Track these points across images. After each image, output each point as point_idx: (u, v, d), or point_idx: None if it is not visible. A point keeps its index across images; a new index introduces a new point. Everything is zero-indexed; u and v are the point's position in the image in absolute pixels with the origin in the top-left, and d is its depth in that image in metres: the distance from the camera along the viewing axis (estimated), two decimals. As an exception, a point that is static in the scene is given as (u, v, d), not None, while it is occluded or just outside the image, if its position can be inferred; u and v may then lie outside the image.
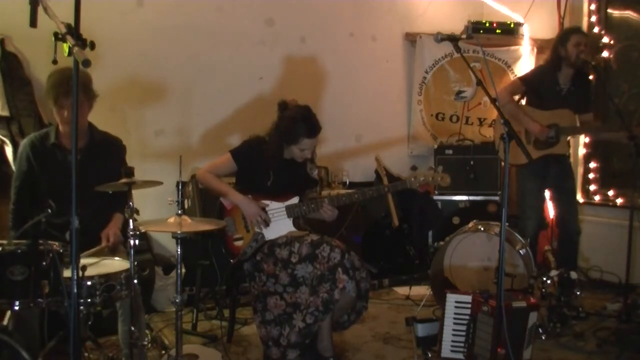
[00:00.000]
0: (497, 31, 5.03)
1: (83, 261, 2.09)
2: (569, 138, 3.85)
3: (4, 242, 2.20)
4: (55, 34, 1.63)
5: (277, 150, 2.93)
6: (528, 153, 2.45)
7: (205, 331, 3.42)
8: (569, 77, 3.79)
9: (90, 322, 2.50)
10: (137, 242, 2.37)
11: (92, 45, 1.68)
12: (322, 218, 2.94)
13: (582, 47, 3.68)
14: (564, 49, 3.74)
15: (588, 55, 3.71)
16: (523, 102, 3.99)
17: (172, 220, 2.36)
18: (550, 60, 3.86)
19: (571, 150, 3.99)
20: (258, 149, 2.96)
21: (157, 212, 3.53)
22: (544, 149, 3.77)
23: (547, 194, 4.15)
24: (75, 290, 1.69)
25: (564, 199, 3.93)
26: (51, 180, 2.70)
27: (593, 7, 4.62)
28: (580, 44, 3.68)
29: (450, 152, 4.74)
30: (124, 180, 2.40)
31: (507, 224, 2.35)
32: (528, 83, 3.91)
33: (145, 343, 2.53)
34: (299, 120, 2.86)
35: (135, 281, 2.40)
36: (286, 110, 2.95)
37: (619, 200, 4.45)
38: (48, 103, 2.69)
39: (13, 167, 2.99)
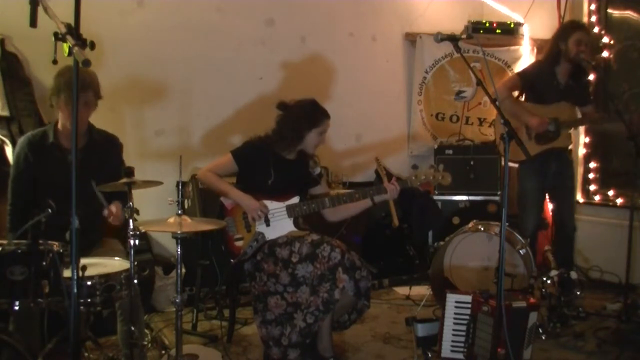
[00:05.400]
0: (497, 31, 5.03)
1: (83, 261, 2.09)
2: (570, 131, 3.83)
3: (4, 242, 2.20)
4: (55, 34, 1.63)
5: (296, 141, 2.96)
6: (528, 152, 2.44)
7: (205, 331, 3.42)
8: (567, 72, 3.76)
9: (90, 322, 2.50)
10: (137, 242, 2.37)
11: (92, 45, 1.68)
12: (388, 199, 2.97)
13: (582, 46, 3.65)
14: (565, 44, 3.69)
15: (588, 55, 3.69)
16: (522, 99, 3.95)
17: (172, 220, 2.37)
18: (549, 54, 3.82)
19: (571, 146, 3.96)
20: (260, 149, 2.98)
21: (157, 212, 3.52)
22: (545, 144, 3.74)
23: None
24: (75, 290, 1.69)
25: (562, 196, 3.92)
26: (50, 180, 2.69)
27: (593, 7, 4.61)
28: (581, 42, 3.65)
29: (450, 152, 4.74)
30: (124, 180, 2.41)
31: (507, 224, 2.35)
32: (525, 78, 3.85)
33: (145, 343, 2.54)
34: (315, 106, 3.01)
35: (135, 281, 2.40)
36: (289, 107, 3.00)
37: (619, 200, 4.44)
38: (54, 100, 2.66)
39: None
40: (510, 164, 4.07)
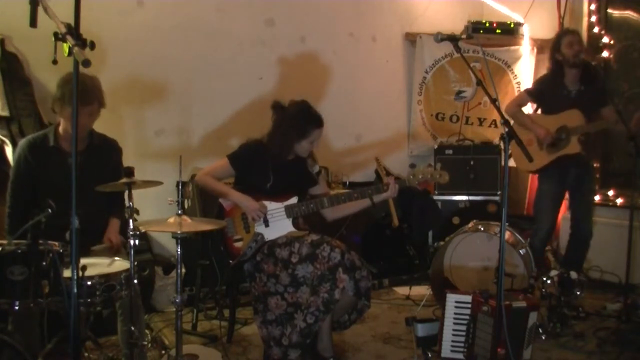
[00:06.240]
0: (497, 31, 5.04)
1: (83, 261, 2.09)
2: (580, 137, 3.80)
3: (4, 242, 2.20)
4: (55, 34, 1.63)
5: (286, 150, 2.94)
6: (528, 154, 2.45)
7: (205, 331, 3.42)
8: (576, 78, 3.78)
9: (90, 322, 2.50)
10: (137, 242, 2.37)
11: (92, 45, 1.68)
12: (387, 197, 2.93)
13: (576, 45, 3.69)
14: (560, 54, 3.75)
15: (587, 55, 3.70)
16: (539, 112, 4.01)
17: (172, 220, 2.36)
18: (552, 70, 3.88)
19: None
20: (256, 152, 2.97)
21: (157, 212, 3.53)
22: (557, 152, 3.78)
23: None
24: (75, 290, 1.69)
25: (579, 201, 3.93)
26: (50, 182, 2.69)
27: (593, 7, 4.61)
28: (573, 42, 3.69)
29: (450, 152, 4.74)
30: (124, 180, 2.41)
31: (507, 223, 2.35)
32: (532, 93, 3.95)
33: (145, 343, 2.53)
34: (304, 114, 2.94)
35: (135, 281, 2.40)
36: (284, 109, 2.97)
37: (619, 200, 4.44)
38: (57, 106, 2.65)
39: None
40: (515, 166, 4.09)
